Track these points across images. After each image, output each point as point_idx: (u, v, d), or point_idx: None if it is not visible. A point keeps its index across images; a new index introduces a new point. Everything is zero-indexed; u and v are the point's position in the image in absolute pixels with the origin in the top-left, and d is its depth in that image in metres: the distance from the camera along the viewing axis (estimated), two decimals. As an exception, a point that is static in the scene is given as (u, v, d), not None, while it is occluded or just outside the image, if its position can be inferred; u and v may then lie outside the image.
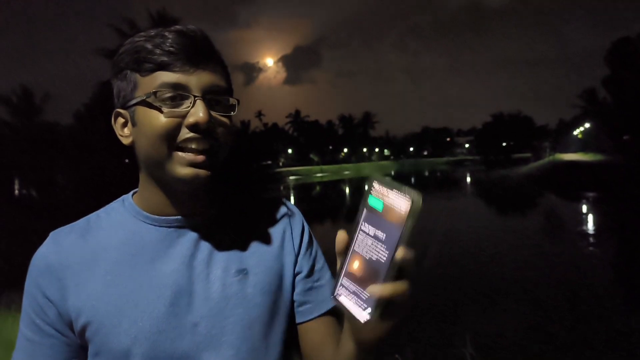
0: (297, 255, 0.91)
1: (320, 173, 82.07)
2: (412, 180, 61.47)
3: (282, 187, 50.36)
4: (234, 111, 0.81)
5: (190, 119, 0.75)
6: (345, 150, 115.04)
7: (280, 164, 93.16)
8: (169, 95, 0.75)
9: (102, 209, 0.88)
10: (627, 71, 38.21)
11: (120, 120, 0.82)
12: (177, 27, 0.77)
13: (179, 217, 0.83)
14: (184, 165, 0.76)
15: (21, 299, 0.82)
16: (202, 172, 0.77)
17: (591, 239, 15.21)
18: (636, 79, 36.54)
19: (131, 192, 0.89)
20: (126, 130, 0.81)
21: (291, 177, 70.31)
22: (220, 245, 0.85)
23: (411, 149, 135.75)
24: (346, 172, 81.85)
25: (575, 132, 63.03)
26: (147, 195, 0.84)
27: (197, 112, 0.74)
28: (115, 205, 0.88)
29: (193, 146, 0.75)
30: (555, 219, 21.05)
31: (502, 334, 6.81)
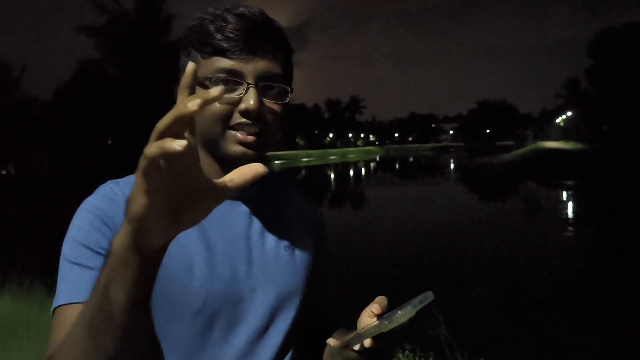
0: (320, 243, 1.01)
1: (305, 157, 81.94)
2: (397, 165, 61.79)
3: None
4: (287, 98, 0.85)
5: (242, 106, 0.79)
6: (331, 135, 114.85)
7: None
8: (223, 80, 0.79)
9: None
10: (609, 62, 38.60)
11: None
12: (241, 9, 0.79)
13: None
14: (234, 143, 0.81)
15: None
16: (250, 151, 0.81)
17: (569, 225, 15.56)
18: (618, 71, 36.97)
19: None
20: None
21: (276, 161, 70.06)
22: (270, 218, 0.91)
23: (396, 134, 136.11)
24: (332, 157, 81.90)
25: (557, 121, 63.71)
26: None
27: (249, 100, 0.78)
28: None
29: (244, 129, 0.80)
30: (534, 205, 21.42)
31: (476, 317, 6.97)
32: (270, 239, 0.89)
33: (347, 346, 0.77)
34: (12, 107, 25.16)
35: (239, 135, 0.80)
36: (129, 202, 0.50)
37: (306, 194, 1.03)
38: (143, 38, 24.09)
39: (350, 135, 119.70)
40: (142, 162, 0.46)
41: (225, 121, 0.80)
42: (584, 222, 16.60)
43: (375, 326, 0.72)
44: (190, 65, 0.50)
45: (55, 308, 0.72)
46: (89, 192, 0.85)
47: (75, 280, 0.72)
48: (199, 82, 0.78)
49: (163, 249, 0.54)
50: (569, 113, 57.23)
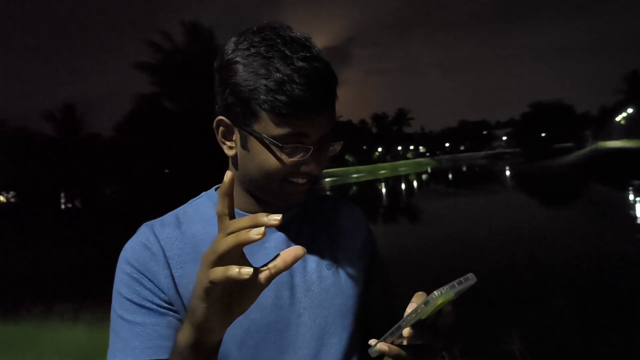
0: (370, 257, 1.00)
1: (356, 174, 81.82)
2: (450, 176, 60.66)
3: (318, 190, 50.41)
4: (339, 149, 0.84)
5: (305, 169, 0.80)
6: (380, 149, 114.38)
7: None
8: (288, 145, 0.76)
9: (186, 205, 0.92)
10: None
11: (224, 129, 0.83)
12: (314, 65, 0.75)
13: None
14: (288, 195, 0.83)
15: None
16: (302, 195, 0.84)
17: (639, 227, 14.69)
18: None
19: (213, 188, 0.94)
20: (230, 143, 0.83)
21: (327, 179, 70.35)
22: (310, 240, 0.90)
23: (447, 144, 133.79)
24: (382, 172, 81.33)
25: (617, 119, 60.76)
26: (238, 196, 0.87)
27: (312, 164, 0.80)
28: (200, 201, 0.92)
29: (300, 181, 0.81)
30: (601, 209, 20.38)
31: (551, 329, 6.66)
32: (312, 261, 0.88)
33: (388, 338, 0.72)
34: (77, 144, 26.71)
35: (295, 189, 0.82)
36: (191, 311, 0.59)
37: (352, 210, 1.02)
38: (194, 70, 25.07)
39: (399, 148, 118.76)
40: (206, 284, 0.55)
41: (281, 176, 0.80)
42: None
43: (412, 312, 0.67)
44: (228, 175, 0.57)
45: None
46: (150, 218, 0.89)
47: (127, 338, 0.77)
48: (260, 139, 0.77)
49: (220, 339, 0.63)
50: (630, 110, 54.48)
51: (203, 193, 0.93)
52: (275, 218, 0.53)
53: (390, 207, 30.94)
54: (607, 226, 15.82)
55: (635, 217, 16.85)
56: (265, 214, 0.54)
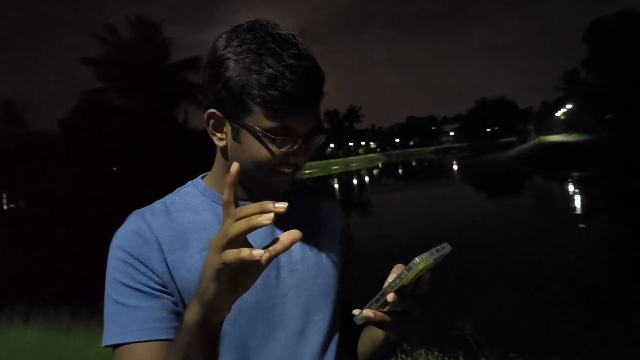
0: (346, 243, 1.05)
1: (308, 169, 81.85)
2: (400, 170, 61.70)
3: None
4: (322, 141, 0.90)
5: (292, 159, 0.85)
6: (332, 145, 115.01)
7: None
8: (279, 138, 0.81)
9: (172, 194, 0.95)
10: (605, 51, 38.66)
11: (215, 122, 0.86)
12: (303, 63, 0.79)
13: (249, 202, 0.90)
14: (275, 184, 0.88)
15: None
16: (287, 184, 0.90)
17: (580, 216, 15.54)
18: (614, 58, 37.01)
19: (199, 177, 0.98)
20: (221, 135, 0.87)
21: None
22: (292, 225, 0.93)
23: (397, 140, 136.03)
24: (335, 167, 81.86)
25: (558, 114, 63.51)
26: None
27: (299, 155, 0.85)
28: (187, 189, 0.95)
29: (287, 171, 0.86)
30: (543, 200, 21.38)
31: (499, 315, 6.98)
32: (295, 244, 0.94)
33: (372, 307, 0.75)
34: (20, 142, 25.47)
35: (282, 179, 0.87)
36: (201, 292, 0.64)
37: (330, 200, 1.08)
38: (142, 65, 24.40)
39: (351, 144, 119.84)
40: (218, 265, 0.59)
41: (269, 166, 0.84)
42: (595, 212, 16.55)
43: (396, 277, 0.71)
44: (235, 166, 0.63)
45: (114, 348, 0.81)
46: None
47: (123, 321, 0.80)
48: (252, 131, 0.81)
49: (225, 317, 0.68)
50: (569, 105, 57.13)
51: (189, 182, 0.97)
52: (282, 205, 0.58)
53: (343, 202, 31.04)
54: (548, 216, 16.66)
55: (575, 208, 17.78)
56: (271, 201, 0.59)
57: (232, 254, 0.57)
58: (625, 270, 9.38)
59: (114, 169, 24.93)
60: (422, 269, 0.70)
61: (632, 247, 10.91)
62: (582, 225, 14.09)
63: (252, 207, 0.59)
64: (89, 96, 24.21)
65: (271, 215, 0.57)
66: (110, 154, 22.74)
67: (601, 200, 19.38)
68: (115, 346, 0.79)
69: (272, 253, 0.59)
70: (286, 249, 0.60)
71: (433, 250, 0.69)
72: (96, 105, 23.71)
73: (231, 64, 0.80)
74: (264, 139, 0.81)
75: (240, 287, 0.64)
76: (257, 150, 0.82)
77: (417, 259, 0.67)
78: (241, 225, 0.58)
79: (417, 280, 0.74)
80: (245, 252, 0.56)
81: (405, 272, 0.69)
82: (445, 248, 0.71)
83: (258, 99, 0.78)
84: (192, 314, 0.66)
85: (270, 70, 0.77)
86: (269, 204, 0.58)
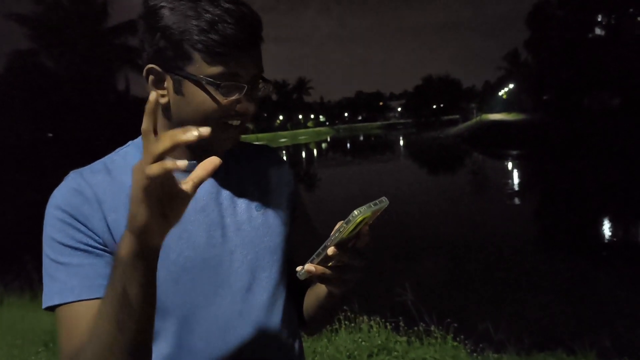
0: (295, 201, 1.04)
1: (256, 142, 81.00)
2: (348, 145, 62.29)
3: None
4: (268, 92, 0.88)
5: (240, 108, 0.82)
6: (281, 117, 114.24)
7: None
8: (224, 83, 0.78)
9: (112, 154, 0.90)
10: (546, 33, 40.09)
11: (154, 78, 0.82)
12: (240, 7, 0.77)
13: (195, 162, 0.85)
14: (225, 139, 0.84)
15: None
16: (236, 140, 0.87)
17: (514, 193, 16.28)
18: (554, 41, 38.47)
19: (141, 137, 0.90)
20: (162, 91, 0.82)
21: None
22: (238, 184, 0.94)
23: (346, 114, 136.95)
24: (283, 140, 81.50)
25: (500, 93, 65.80)
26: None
27: (247, 103, 0.82)
28: (128, 149, 0.91)
29: (235, 123, 0.83)
30: (482, 176, 22.22)
31: (436, 285, 7.29)
32: (241, 202, 0.92)
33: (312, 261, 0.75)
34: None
35: (230, 134, 0.84)
36: (131, 218, 0.60)
37: (276, 156, 1.06)
38: (79, 26, 23.09)
39: (300, 117, 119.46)
40: (144, 182, 0.55)
41: (217, 118, 0.81)
42: (528, 189, 17.40)
43: (335, 231, 0.71)
44: (153, 95, 0.58)
45: (55, 308, 0.77)
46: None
47: (65, 280, 0.76)
48: (195, 80, 0.78)
49: (160, 246, 0.64)
50: (511, 85, 59.22)
51: (130, 142, 0.92)
52: (194, 134, 0.54)
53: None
54: (483, 192, 17.39)
55: (512, 184, 18.60)
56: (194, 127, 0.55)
57: (156, 167, 0.54)
58: (552, 243, 10.01)
59: (50, 135, 23.78)
60: (360, 222, 0.70)
61: (557, 222, 11.63)
62: (514, 201, 14.79)
63: (175, 130, 0.55)
64: (20, 57, 22.70)
65: (186, 162, 0.54)
66: (44, 119, 21.58)
67: (534, 176, 20.41)
68: (57, 307, 0.76)
69: (196, 180, 0.57)
70: (208, 174, 0.57)
71: (371, 203, 0.70)
72: (27, 66, 22.28)
73: (166, 12, 0.77)
74: (208, 87, 0.78)
75: (171, 214, 0.59)
76: (202, 100, 0.79)
77: (355, 211, 0.67)
78: (165, 141, 0.54)
79: (357, 234, 0.75)
80: (169, 163, 0.53)
81: (345, 225, 0.69)
82: (383, 202, 0.71)
83: (199, 45, 0.76)
84: (124, 245, 0.62)
85: (209, 15, 0.76)
86: (181, 136, 0.55)
